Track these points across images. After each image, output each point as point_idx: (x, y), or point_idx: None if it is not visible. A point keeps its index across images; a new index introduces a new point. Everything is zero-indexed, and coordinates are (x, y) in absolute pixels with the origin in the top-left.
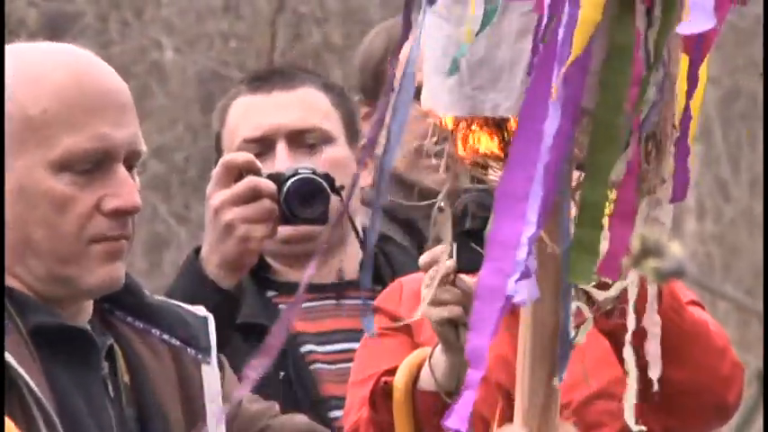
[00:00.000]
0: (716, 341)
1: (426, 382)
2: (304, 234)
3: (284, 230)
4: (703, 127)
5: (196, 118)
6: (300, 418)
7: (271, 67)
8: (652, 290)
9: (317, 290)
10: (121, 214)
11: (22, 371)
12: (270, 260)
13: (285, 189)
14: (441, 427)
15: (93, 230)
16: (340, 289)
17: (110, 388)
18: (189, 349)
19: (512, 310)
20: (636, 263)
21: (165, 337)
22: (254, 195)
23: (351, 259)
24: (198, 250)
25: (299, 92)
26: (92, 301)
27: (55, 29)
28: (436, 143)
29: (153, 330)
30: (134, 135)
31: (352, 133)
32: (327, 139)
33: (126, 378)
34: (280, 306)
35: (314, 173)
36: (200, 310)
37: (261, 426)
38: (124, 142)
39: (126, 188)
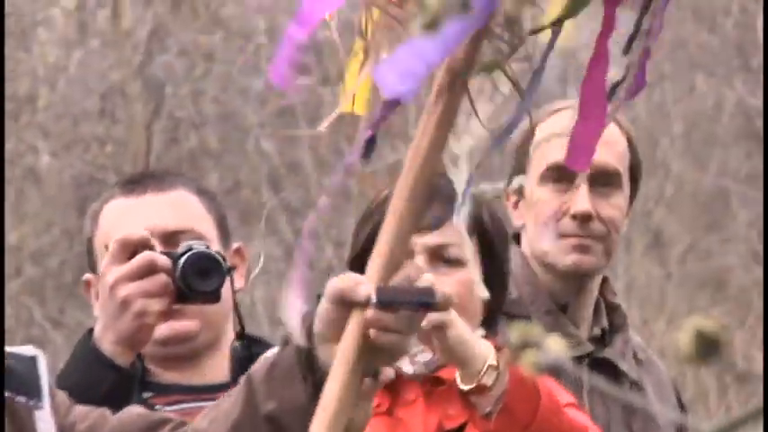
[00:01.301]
0: None
1: None
2: (180, 335)
3: (160, 331)
4: None
5: (72, 222)
6: (134, 411)
7: (144, 171)
8: None
9: (193, 391)
10: None
11: None
12: (147, 362)
13: (181, 263)
14: None
15: None
16: (215, 390)
17: None
18: (18, 398)
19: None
20: (514, 356)
21: None
22: (149, 270)
23: (226, 360)
24: (90, 331)
25: (173, 194)
26: None
27: None
28: None
29: None
30: None
31: (224, 237)
32: (201, 241)
33: None
34: (157, 407)
35: (207, 248)
36: (28, 350)
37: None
38: None
39: None
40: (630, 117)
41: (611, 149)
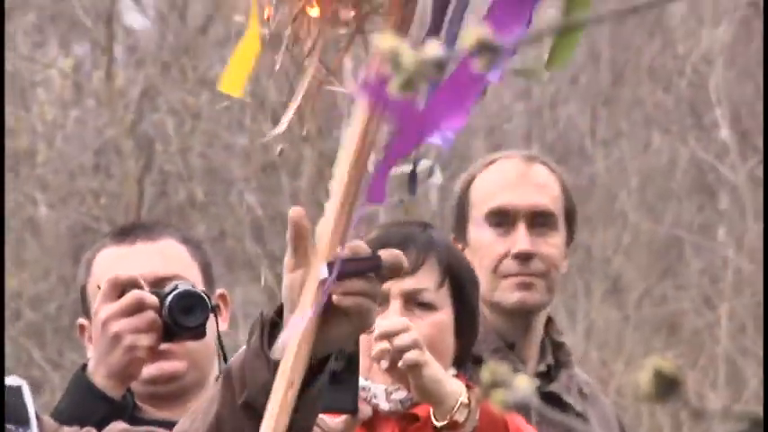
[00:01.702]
0: None
1: None
2: (167, 374)
3: (149, 371)
4: None
5: (68, 270)
6: (118, 427)
7: (135, 221)
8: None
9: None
10: None
11: None
12: (138, 400)
13: (168, 301)
14: None
15: None
16: None
17: None
18: (8, 426)
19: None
20: (485, 393)
21: None
22: (138, 307)
23: None
24: (84, 367)
25: (161, 243)
26: None
27: None
28: None
29: None
30: None
31: (209, 283)
32: (186, 281)
33: None
34: None
35: (192, 286)
36: (13, 380)
37: None
38: None
39: None
40: (590, 172)
41: (546, 193)
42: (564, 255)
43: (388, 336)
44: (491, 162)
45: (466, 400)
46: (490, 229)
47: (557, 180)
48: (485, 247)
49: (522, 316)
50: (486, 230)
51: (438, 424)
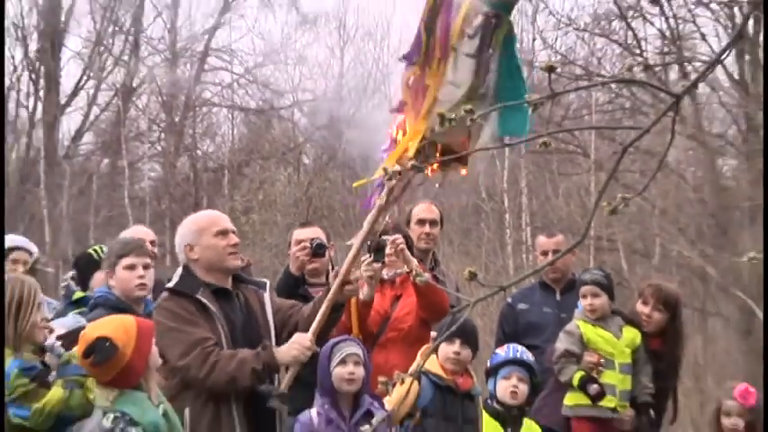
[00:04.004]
0: (443, 293)
1: (361, 295)
2: (315, 270)
3: (310, 267)
4: None
5: (285, 238)
6: (289, 301)
7: (305, 221)
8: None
9: (322, 285)
10: (236, 245)
11: (212, 307)
12: (307, 276)
13: (313, 244)
14: (366, 315)
15: (228, 251)
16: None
17: (239, 308)
18: (259, 290)
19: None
20: (414, 278)
21: (252, 286)
22: (303, 247)
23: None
24: (288, 267)
25: (315, 228)
26: (231, 277)
27: None
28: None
29: (249, 286)
30: (230, 226)
31: (329, 240)
32: (320, 238)
33: (243, 300)
34: (310, 290)
35: (320, 240)
36: (263, 280)
37: (291, 311)
38: (228, 226)
39: (233, 238)
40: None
41: (436, 213)
42: (439, 233)
43: (393, 240)
44: (419, 203)
45: (418, 264)
46: (417, 225)
47: (438, 210)
48: (415, 230)
49: (425, 252)
50: (416, 225)
51: (407, 270)
